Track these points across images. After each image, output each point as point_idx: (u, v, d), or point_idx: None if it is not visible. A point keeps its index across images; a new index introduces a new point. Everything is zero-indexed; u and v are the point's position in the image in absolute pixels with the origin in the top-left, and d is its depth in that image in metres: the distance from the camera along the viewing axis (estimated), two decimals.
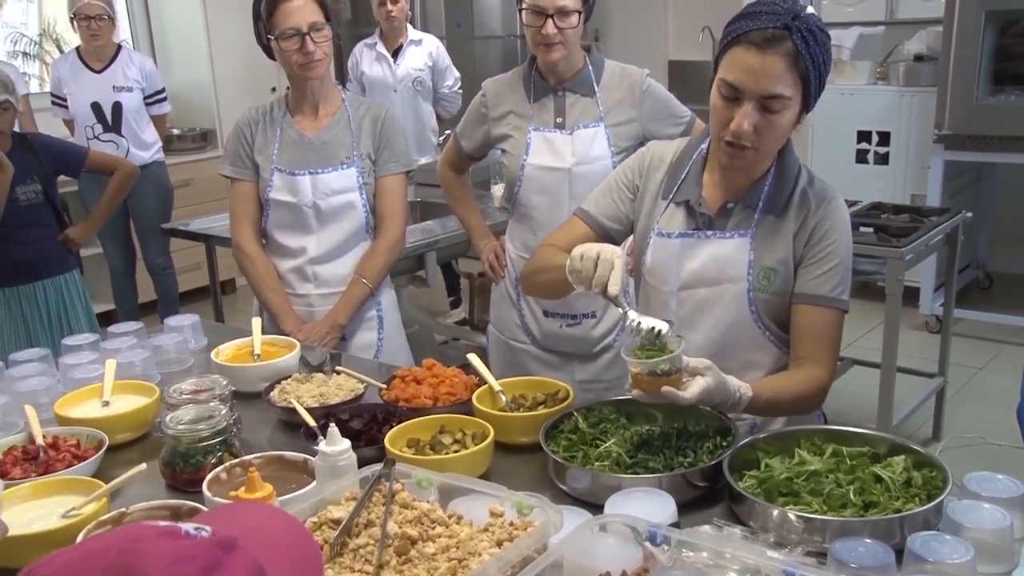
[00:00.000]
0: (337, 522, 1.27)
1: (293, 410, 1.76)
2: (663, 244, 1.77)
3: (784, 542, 1.27)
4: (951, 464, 1.40)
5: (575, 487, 1.49)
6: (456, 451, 1.60)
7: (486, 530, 1.26)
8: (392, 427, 1.66)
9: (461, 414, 1.72)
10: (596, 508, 1.38)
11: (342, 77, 6.04)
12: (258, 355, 2.09)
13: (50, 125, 4.71)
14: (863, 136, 5.16)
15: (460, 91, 4.98)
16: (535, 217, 2.47)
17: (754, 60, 1.55)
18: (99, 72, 4.56)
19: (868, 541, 1.21)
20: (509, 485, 1.35)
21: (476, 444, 1.61)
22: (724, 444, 1.54)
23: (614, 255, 1.57)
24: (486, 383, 1.83)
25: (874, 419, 3.32)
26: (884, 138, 5.11)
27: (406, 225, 2.54)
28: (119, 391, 1.90)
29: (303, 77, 2.35)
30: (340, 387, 1.91)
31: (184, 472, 1.59)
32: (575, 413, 1.66)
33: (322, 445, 1.45)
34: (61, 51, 5.84)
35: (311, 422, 1.70)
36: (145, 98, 4.68)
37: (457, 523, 1.29)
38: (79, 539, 1.35)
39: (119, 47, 4.67)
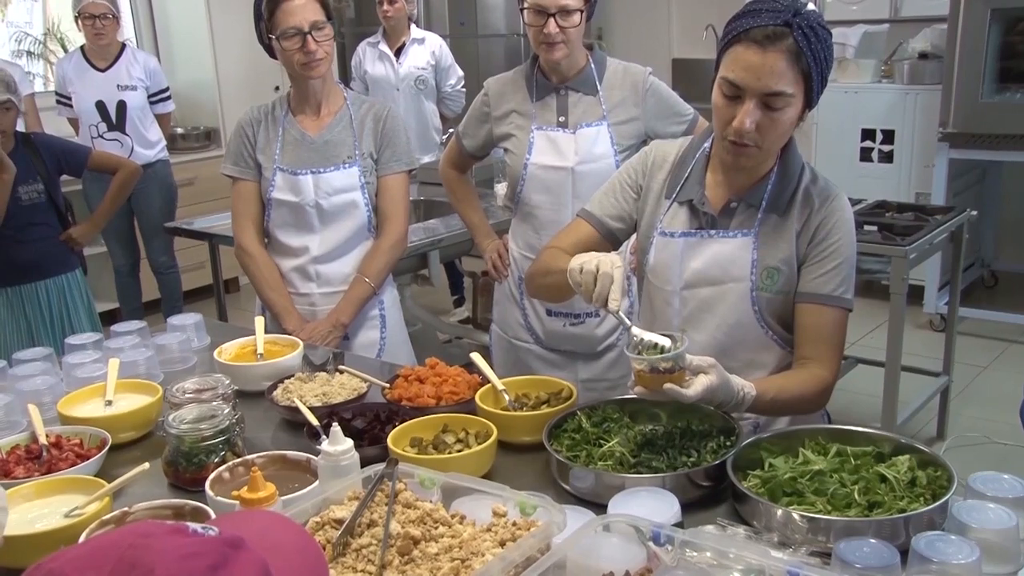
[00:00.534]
0: (340, 522, 1.26)
1: (296, 409, 1.76)
2: (666, 243, 1.76)
3: (788, 542, 1.26)
4: (955, 463, 1.39)
5: (578, 487, 1.49)
6: (459, 450, 1.60)
7: (489, 530, 1.26)
8: (395, 426, 1.66)
9: (464, 413, 1.72)
10: (599, 508, 1.38)
11: (345, 76, 6.05)
12: (261, 354, 2.09)
13: (54, 124, 4.73)
14: (867, 134, 5.15)
15: (463, 90, 4.98)
16: (538, 216, 2.46)
17: (755, 58, 1.55)
18: (103, 71, 4.56)
19: (873, 541, 1.20)
20: (512, 485, 1.35)
21: (479, 443, 1.61)
22: (728, 444, 1.54)
23: (613, 267, 1.55)
24: (489, 382, 1.83)
25: (878, 418, 3.31)
26: (888, 136, 5.10)
27: (408, 224, 2.53)
28: (122, 390, 1.91)
29: (305, 76, 2.35)
30: (343, 386, 1.91)
31: (187, 471, 1.59)
32: (578, 412, 1.66)
33: (325, 444, 1.45)
34: (65, 50, 5.84)
35: (314, 421, 1.70)
36: (149, 97, 4.69)
37: (460, 523, 1.29)
38: (82, 538, 1.35)
39: (123, 46, 4.67)
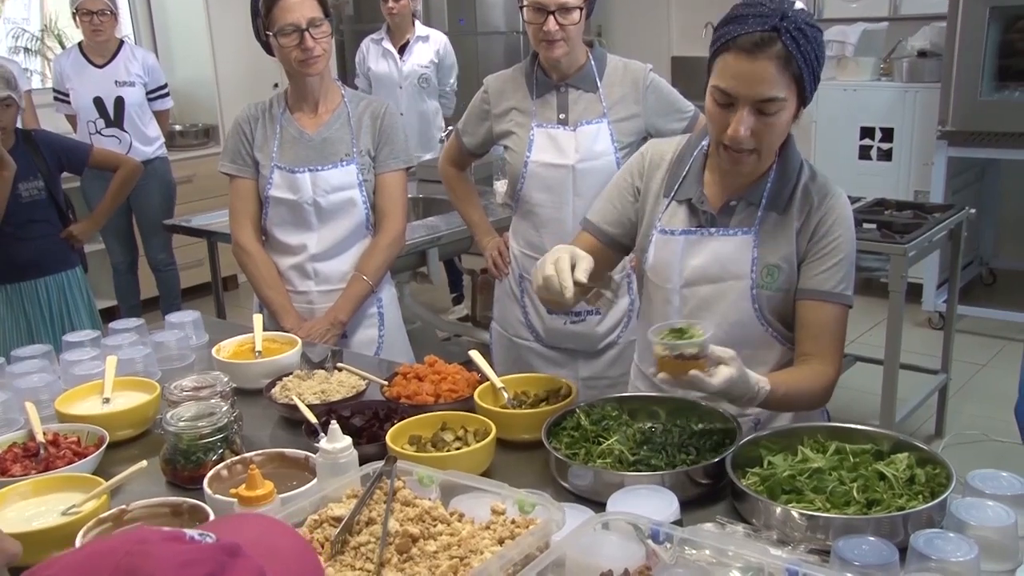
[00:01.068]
0: (338, 520, 1.26)
1: (294, 407, 1.76)
2: (666, 241, 1.76)
3: (787, 540, 1.26)
4: (953, 461, 1.39)
5: (577, 484, 1.49)
6: (458, 448, 1.60)
7: (488, 528, 1.26)
8: (393, 424, 1.66)
9: (463, 411, 1.72)
10: (598, 506, 1.37)
11: (343, 73, 6.04)
12: (259, 352, 2.08)
13: (51, 120, 4.72)
14: (866, 132, 5.15)
15: (455, 91, 4.94)
16: (538, 214, 2.46)
17: (744, 66, 1.54)
18: (101, 67, 4.56)
19: (872, 539, 1.20)
20: (511, 482, 1.35)
21: (478, 441, 1.61)
22: (727, 441, 1.54)
23: (557, 263, 1.59)
24: (488, 380, 1.82)
25: (877, 416, 3.31)
26: (887, 134, 5.09)
27: (406, 222, 2.53)
28: (120, 388, 1.90)
29: (302, 74, 2.34)
30: (341, 384, 1.90)
31: (185, 469, 1.59)
32: (577, 410, 1.66)
33: (323, 442, 1.45)
34: (63, 47, 5.83)
35: (312, 419, 1.69)
36: (147, 93, 4.68)
37: (459, 521, 1.28)
38: (79, 536, 1.35)
39: (121, 42, 4.67)
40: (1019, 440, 2.27)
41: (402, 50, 4.79)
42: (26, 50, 6.10)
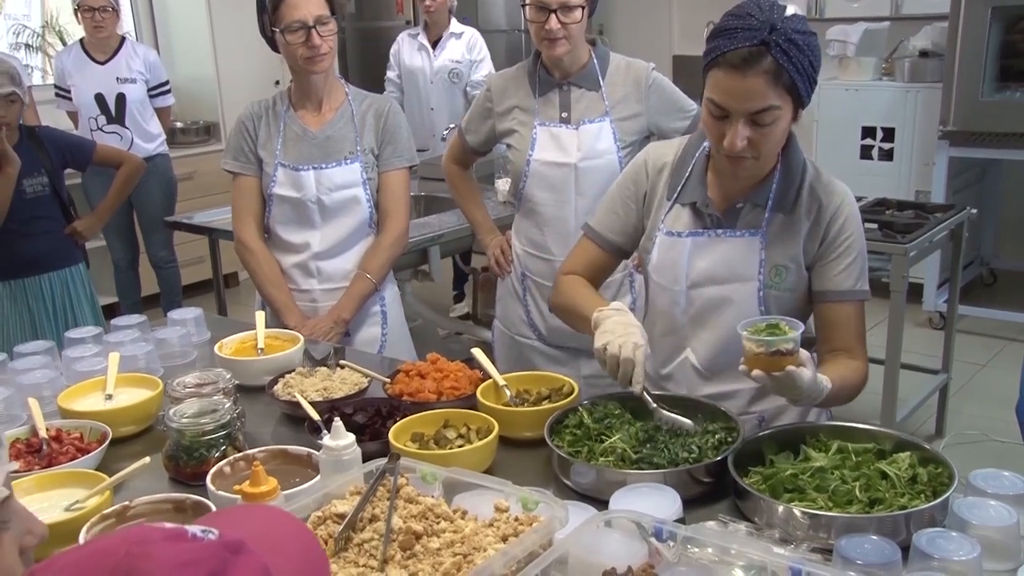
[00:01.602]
0: (341, 516, 1.26)
1: (296, 404, 1.76)
2: (673, 243, 1.76)
3: (790, 538, 1.27)
4: (954, 461, 1.40)
5: (580, 482, 1.49)
6: (460, 446, 1.60)
7: (491, 525, 1.26)
8: (396, 421, 1.66)
9: (465, 409, 1.72)
10: (601, 504, 1.38)
11: (345, 71, 6.04)
12: (262, 349, 2.08)
13: (52, 117, 4.71)
14: (868, 132, 5.14)
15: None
16: (541, 212, 2.46)
17: (735, 82, 1.53)
18: (103, 64, 4.56)
19: (874, 538, 1.21)
20: (513, 480, 1.35)
21: (480, 439, 1.61)
22: (729, 440, 1.54)
23: (635, 349, 1.57)
24: (490, 377, 1.83)
25: (877, 415, 3.31)
26: (889, 134, 5.09)
27: (409, 220, 2.53)
28: (122, 384, 1.90)
29: (307, 71, 2.34)
30: (344, 381, 1.91)
31: (188, 466, 1.59)
32: (580, 408, 1.66)
33: (327, 439, 1.45)
34: (64, 43, 5.83)
35: (315, 416, 1.70)
36: (149, 90, 4.68)
37: (462, 518, 1.29)
38: (83, 532, 1.35)
39: (123, 39, 4.66)
40: (1019, 440, 2.28)
41: (435, 45, 4.84)
42: (27, 46, 6.10)
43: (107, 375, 1.90)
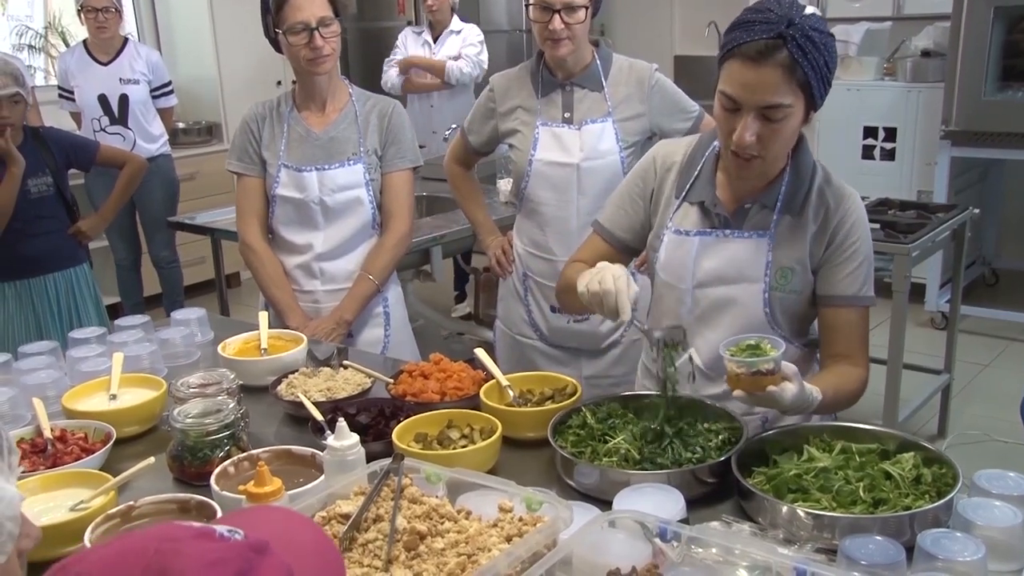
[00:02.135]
0: (346, 517, 1.27)
1: (300, 404, 1.76)
2: (680, 242, 1.76)
3: (794, 539, 1.26)
4: (956, 461, 1.40)
5: (583, 483, 1.49)
6: (464, 446, 1.60)
7: (495, 525, 1.26)
8: (399, 422, 1.66)
9: (468, 409, 1.72)
10: (604, 504, 1.38)
11: (346, 71, 6.04)
12: (265, 349, 2.08)
13: (55, 118, 4.72)
14: (870, 132, 5.14)
15: (468, 71, 4.91)
16: (543, 213, 2.46)
17: (749, 74, 1.54)
18: (106, 64, 4.56)
19: (878, 538, 1.21)
20: (517, 481, 1.35)
21: (484, 439, 1.61)
22: (733, 440, 1.54)
23: (615, 280, 1.55)
24: (493, 378, 1.83)
25: (879, 415, 3.31)
26: (891, 134, 5.09)
27: (412, 221, 2.53)
28: (126, 384, 1.90)
29: (311, 73, 2.34)
30: (347, 381, 1.91)
31: (192, 466, 1.59)
32: (583, 408, 1.66)
33: (330, 440, 1.45)
34: (67, 44, 5.83)
35: (318, 416, 1.70)
36: (152, 91, 4.69)
37: (466, 518, 1.29)
38: (87, 532, 1.35)
39: (126, 40, 4.67)
40: (1021, 440, 2.28)
41: (436, 42, 4.99)
42: (30, 47, 6.10)
43: (111, 375, 1.90)
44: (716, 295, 1.74)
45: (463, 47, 4.95)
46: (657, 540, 1.19)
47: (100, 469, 1.59)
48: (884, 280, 3.30)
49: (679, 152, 1.82)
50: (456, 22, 5.01)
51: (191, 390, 1.77)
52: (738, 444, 1.50)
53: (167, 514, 1.43)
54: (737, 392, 1.48)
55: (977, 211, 3.66)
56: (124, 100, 4.56)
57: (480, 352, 1.91)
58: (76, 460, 1.61)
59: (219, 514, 1.38)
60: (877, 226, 3.40)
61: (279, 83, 5.63)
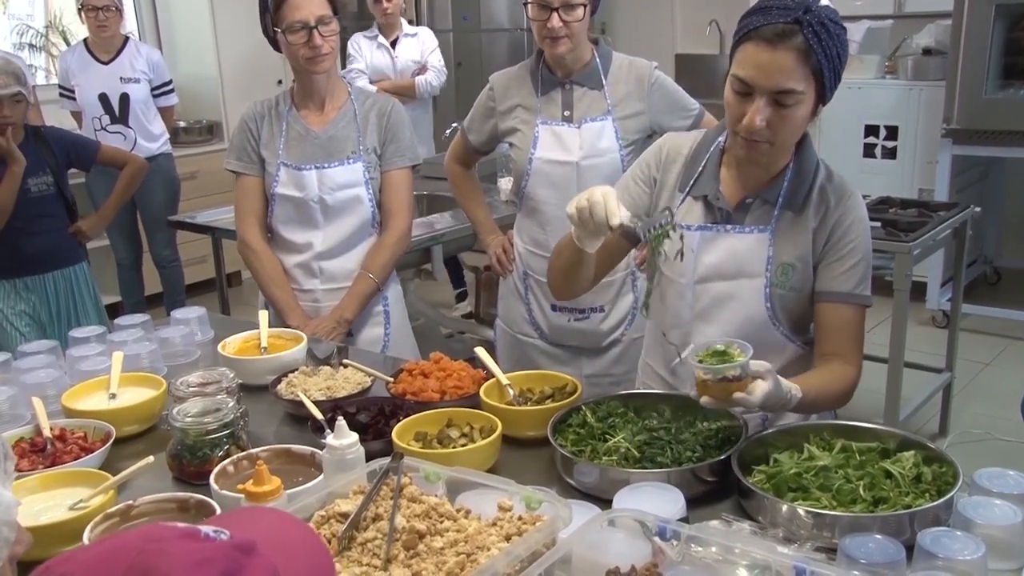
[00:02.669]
0: (345, 516, 1.26)
1: (300, 403, 1.76)
2: (682, 236, 1.76)
3: (793, 537, 1.26)
4: (957, 460, 1.39)
5: (583, 481, 1.49)
6: (464, 445, 1.60)
7: (495, 524, 1.26)
8: (399, 421, 1.66)
9: (468, 408, 1.72)
10: (604, 503, 1.38)
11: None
12: (265, 348, 2.08)
13: (56, 117, 4.72)
14: (871, 130, 5.14)
15: (434, 83, 4.95)
16: (543, 211, 2.46)
17: (764, 56, 1.55)
18: (107, 63, 4.56)
19: (878, 537, 1.20)
20: (516, 479, 1.34)
21: (484, 438, 1.61)
22: (733, 439, 1.54)
23: (602, 192, 1.54)
24: (493, 377, 1.82)
25: (880, 414, 3.31)
26: (892, 132, 5.09)
27: (412, 220, 2.53)
28: (126, 383, 1.90)
29: (309, 71, 2.34)
30: (347, 380, 1.91)
31: (191, 465, 1.59)
32: (583, 407, 1.66)
33: (330, 438, 1.45)
34: (67, 43, 5.84)
35: (318, 415, 1.70)
36: (152, 90, 4.69)
37: (465, 517, 1.29)
38: (87, 531, 1.35)
39: (126, 38, 4.67)
40: (1022, 438, 2.27)
41: (393, 45, 4.93)
42: (31, 46, 6.10)
43: (111, 374, 1.90)
44: (717, 290, 1.73)
45: (426, 54, 4.92)
46: (657, 539, 1.18)
47: (99, 468, 1.59)
48: (885, 278, 3.29)
49: (685, 145, 1.82)
50: (407, 26, 4.99)
51: (191, 389, 1.77)
52: (738, 443, 1.50)
53: (166, 513, 1.43)
54: (704, 399, 1.48)
55: (978, 209, 3.66)
56: (125, 99, 4.55)
57: (480, 351, 1.91)
58: (75, 459, 1.61)
59: (218, 513, 1.38)
60: (878, 224, 3.40)
61: (280, 82, 5.63)
